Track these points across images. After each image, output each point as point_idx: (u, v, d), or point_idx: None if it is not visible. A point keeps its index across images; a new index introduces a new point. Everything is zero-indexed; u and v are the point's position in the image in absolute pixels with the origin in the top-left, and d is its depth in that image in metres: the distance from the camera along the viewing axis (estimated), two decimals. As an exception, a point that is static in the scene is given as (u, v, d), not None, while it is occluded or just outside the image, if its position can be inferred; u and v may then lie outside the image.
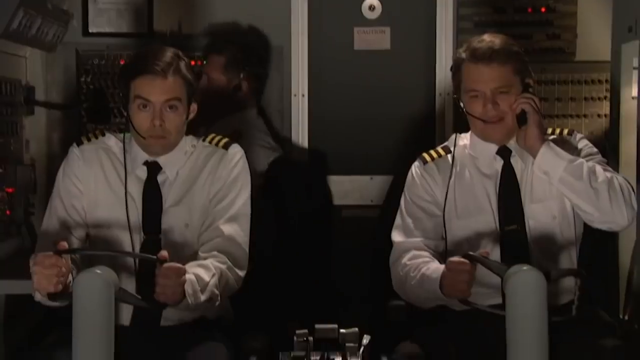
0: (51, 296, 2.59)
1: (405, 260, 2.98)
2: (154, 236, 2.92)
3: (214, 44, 4.14)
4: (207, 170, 3.00)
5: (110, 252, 2.83)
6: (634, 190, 2.94)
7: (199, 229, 2.96)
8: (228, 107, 4.02)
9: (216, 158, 3.01)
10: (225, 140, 3.05)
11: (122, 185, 2.95)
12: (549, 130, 3.11)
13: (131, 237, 2.92)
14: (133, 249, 2.91)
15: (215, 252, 2.88)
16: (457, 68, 3.04)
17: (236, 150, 3.04)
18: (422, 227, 3.04)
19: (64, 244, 2.61)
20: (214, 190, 2.98)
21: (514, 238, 2.98)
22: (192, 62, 4.08)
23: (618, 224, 2.93)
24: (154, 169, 2.97)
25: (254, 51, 4.16)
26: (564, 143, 3.05)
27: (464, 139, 3.13)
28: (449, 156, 3.10)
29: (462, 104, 3.03)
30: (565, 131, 3.13)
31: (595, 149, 3.09)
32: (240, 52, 4.07)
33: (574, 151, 3.03)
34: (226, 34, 4.23)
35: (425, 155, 3.14)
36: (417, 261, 2.94)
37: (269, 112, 4.27)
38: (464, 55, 3.01)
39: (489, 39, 3.00)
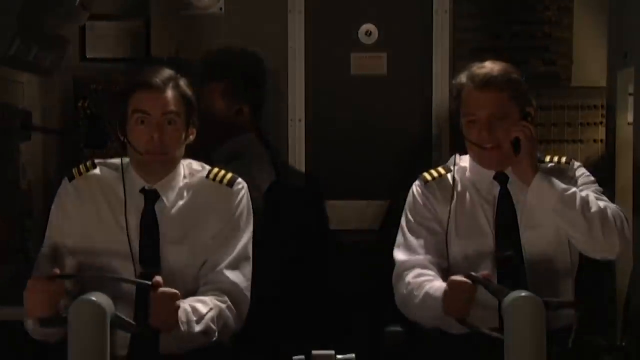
0: (42, 321, 2.58)
1: (408, 278, 2.98)
2: (152, 269, 2.86)
3: (213, 70, 4.13)
4: (210, 208, 2.96)
5: (104, 276, 2.81)
6: (627, 220, 2.95)
7: (199, 267, 2.93)
8: (227, 132, 4.02)
9: (219, 196, 2.97)
10: (229, 176, 3.01)
11: (117, 216, 2.91)
12: (547, 158, 3.12)
13: (134, 267, 2.88)
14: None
15: (216, 292, 2.85)
16: (457, 93, 3.07)
17: (239, 187, 3.00)
18: (425, 245, 3.04)
19: (57, 271, 2.60)
20: (217, 229, 2.94)
21: (510, 264, 2.98)
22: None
23: (610, 253, 2.94)
24: (151, 196, 2.94)
25: (253, 77, 4.17)
26: (560, 172, 3.06)
27: (465, 160, 3.14)
28: (449, 175, 3.11)
29: (462, 129, 3.04)
30: (563, 159, 3.13)
31: (591, 178, 3.09)
32: (240, 78, 4.08)
33: (570, 180, 3.03)
34: (223, 61, 4.22)
35: (425, 174, 3.14)
36: (420, 279, 2.94)
37: (268, 138, 4.28)
38: (464, 80, 3.04)
39: (489, 66, 3.04)
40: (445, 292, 2.72)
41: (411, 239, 3.06)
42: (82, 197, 2.96)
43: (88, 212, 2.95)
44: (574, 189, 2.94)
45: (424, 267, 2.99)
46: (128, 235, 2.90)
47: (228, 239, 2.94)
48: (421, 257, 3.02)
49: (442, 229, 3.05)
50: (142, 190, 2.94)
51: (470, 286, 2.66)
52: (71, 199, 2.96)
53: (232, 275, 2.89)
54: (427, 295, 2.86)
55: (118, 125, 2.94)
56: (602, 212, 2.89)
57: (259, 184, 3.86)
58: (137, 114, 2.86)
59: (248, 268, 2.95)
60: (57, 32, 3.85)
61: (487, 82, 2.98)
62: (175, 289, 2.69)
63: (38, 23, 3.63)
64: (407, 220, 3.10)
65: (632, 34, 3.59)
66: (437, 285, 2.86)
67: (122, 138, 2.93)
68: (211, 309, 2.78)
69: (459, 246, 3.01)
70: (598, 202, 2.93)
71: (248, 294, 2.93)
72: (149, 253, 2.89)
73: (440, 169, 3.15)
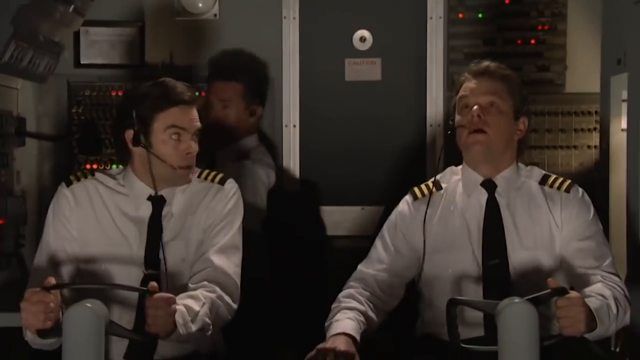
0: (40, 333, 2.56)
1: (340, 295, 3.08)
2: (153, 270, 2.91)
3: (230, 71, 4.12)
4: (203, 205, 3.01)
5: (99, 285, 2.81)
6: (628, 300, 2.90)
7: (194, 262, 2.96)
8: (238, 132, 4.04)
9: (212, 193, 3.03)
10: (220, 176, 3.07)
11: (117, 222, 2.96)
12: (551, 179, 3.08)
13: (138, 271, 2.92)
14: (126, 283, 2.88)
15: (204, 282, 2.87)
16: (457, 90, 3.11)
17: (231, 185, 3.07)
18: (386, 261, 3.11)
19: (52, 280, 2.59)
20: (208, 223, 2.99)
21: (497, 272, 2.99)
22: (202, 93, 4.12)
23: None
24: (159, 203, 2.98)
25: (266, 79, 4.22)
26: (561, 199, 3.05)
27: (458, 173, 3.15)
28: (440, 192, 3.12)
29: (455, 122, 3.08)
30: (564, 186, 3.08)
31: (591, 211, 3.05)
32: (255, 80, 4.12)
33: (566, 208, 3.03)
34: (237, 63, 4.25)
35: (416, 190, 3.17)
36: (341, 305, 3.02)
37: (268, 139, 4.28)
38: (462, 77, 3.11)
39: (488, 61, 3.12)
40: None
41: (376, 251, 3.14)
42: (80, 203, 2.99)
43: (86, 218, 2.97)
44: (610, 317, 2.78)
45: (365, 286, 3.07)
46: (130, 241, 2.94)
47: (217, 231, 2.99)
48: (371, 272, 3.10)
49: (412, 251, 3.09)
50: (150, 198, 2.98)
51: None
52: (69, 203, 2.98)
53: (218, 260, 2.93)
54: (330, 325, 2.94)
55: (143, 138, 2.94)
56: (618, 318, 2.82)
57: (264, 183, 3.88)
58: (173, 129, 2.92)
59: (236, 256, 2.99)
60: (52, 38, 3.84)
61: (484, 71, 3.05)
62: (174, 285, 2.75)
63: (32, 29, 3.63)
64: (381, 232, 3.18)
65: (625, 40, 3.59)
66: (341, 324, 2.91)
67: (147, 149, 2.94)
68: (204, 303, 2.78)
69: (440, 260, 3.04)
70: (616, 305, 2.81)
71: (237, 279, 2.96)
72: (152, 256, 2.93)
73: (431, 185, 3.15)
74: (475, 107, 3.00)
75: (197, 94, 3.04)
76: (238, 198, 3.07)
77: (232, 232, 3.00)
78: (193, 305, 2.74)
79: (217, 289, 2.86)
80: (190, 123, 2.95)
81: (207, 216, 3.00)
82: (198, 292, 2.82)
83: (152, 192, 2.98)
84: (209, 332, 2.82)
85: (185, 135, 2.94)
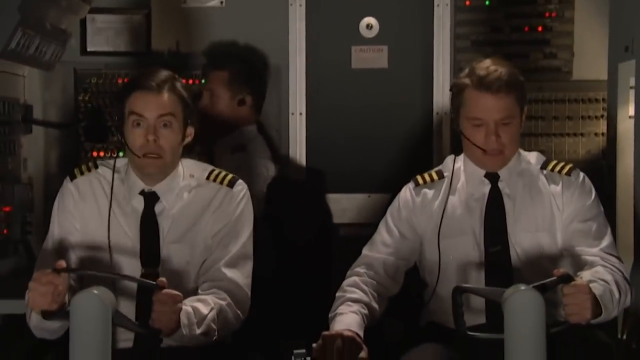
0: (45, 314, 2.57)
1: (345, 284, 3.06)
2: (152, 269, 2.89)
3: (217, 60, 4.15)
4: (211, 208, 2.96)
5: (110, 274, 2.81)
6: (628, 283, 2.90)
7: (199, 266, 2.93)
8: (231, 123, 4.04)
9: (220, 196, 2.97)
10: (229, 177, 3.00)
11: (118, 216, 2.93)
12: (550, 166, 3.10)
13: (139, 264, 2.91)
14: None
15: (215, 290, 2.85)
16: (458, 92, 3.01)
17: (240, 187, 3.00)
18: (390, 244, 3.11)
19: (62, 263, 2.60)
20: (217, 228, 2.95)
21: (498, 259, 3.00)
22: (191, 81, 4.14)
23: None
24: (151, 199, 2.94)
25: (255, 67, 4.19)
26: (562, 182, 3.06)
27: (459, 161, 3.15)
28: (442, 181, 3.13)
29: (461, 129, 3.04)
30: (565, 169, 3.08)
31: (593, 194, 3.05)
32: (243, 67, 4.10)
33: (567, 192, 3.04)
34: (227, 51, 4.25)
35: (419, 177, 3.17)
36: (346, 296, 3.01)
37: (267, 130, 4.28)
38: (467, 81, 2.98)
39: (495, 68, 2.96)
40: None
41: (380, 235, 3.14)
42: (84, 196, 2.97)
43: (89, 211, 2.96)
44: (615, 303, 2.78)
45: (371, 269, 3.06)
46: (129, 235, 2.92)
47: (227, 239, 2.95)
48: (378, 255, 3.09)
49: (416, 234, 3.10)
50: (142, 193, 2.95)
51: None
52: (73, 197, 2.97)
53: (230, 272, 2.90)
54: (335, 318, 2.93)
55: (117, 126, 2.96)
56: (618, 305, 2.82)
57: (261, 177, 3.87)
58: (133, 116, 2.86)
59: (248, 266, 2.96)
60: (58, 26, 3.85)
61: (498, 87, 2.93)
62: (176, 288, 2.69)
63: (39, 16, 3.63)
64: (385, 218, 3.17)
65: (633, 27, 3.58)
66: (347, 319, 2.90)
67: (121, 139, 2.94)
68: (212, 308, 2.77)
69: (445, 247, 3.05)
70: (618, 287, 2.81)
71: (248, 291, 2.93)
72: (150, 253, 2.91)
73: (434, 174, 3.15)
74: (491, 129, 2.94)
75: (169, 81, 2.89)
76: (247, 201, 3.01)
77: (242, 241, 2.96)
78: (201, 309, 2.73)
79: (228, 297, 2.85)
80: (151, 110, 2.84)
81: (214, 221, 2.95)
82: (208, 297, 2.81)
83: (145, 187, 2.94)
84: (214, 338, 2.79)
85: (146, 122, 2.84)
